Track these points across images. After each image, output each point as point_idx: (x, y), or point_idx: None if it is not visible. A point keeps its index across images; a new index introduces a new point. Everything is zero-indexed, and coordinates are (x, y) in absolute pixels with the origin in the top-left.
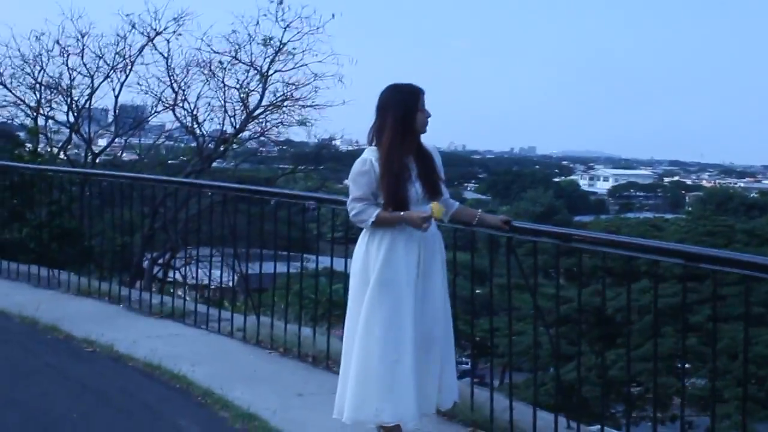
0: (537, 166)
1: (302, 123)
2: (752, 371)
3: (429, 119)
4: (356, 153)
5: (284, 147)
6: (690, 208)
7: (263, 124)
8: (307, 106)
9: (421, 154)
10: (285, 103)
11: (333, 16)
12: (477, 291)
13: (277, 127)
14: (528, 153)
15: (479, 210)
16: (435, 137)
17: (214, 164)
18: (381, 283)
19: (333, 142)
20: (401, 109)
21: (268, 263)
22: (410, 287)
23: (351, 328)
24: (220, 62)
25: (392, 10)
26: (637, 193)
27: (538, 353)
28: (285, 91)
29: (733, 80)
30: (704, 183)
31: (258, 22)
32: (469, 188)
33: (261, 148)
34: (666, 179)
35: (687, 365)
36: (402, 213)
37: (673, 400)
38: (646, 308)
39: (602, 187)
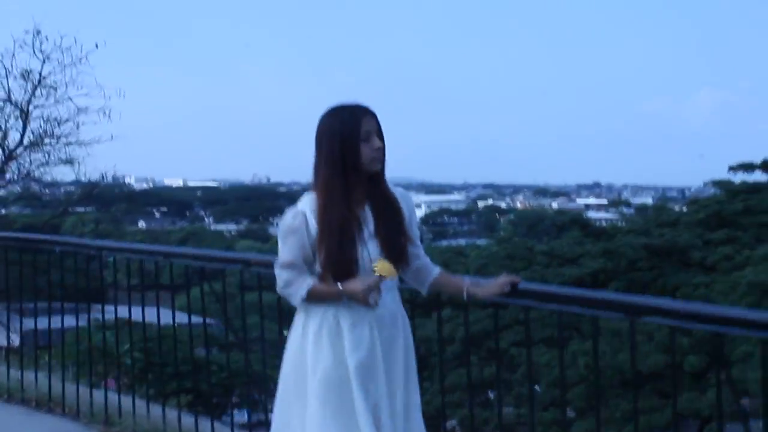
0: None
1: (68, 162)
2: (556, 394)
3: (380, 150)
4: (152, 192)
5: (59, 188)
6: (502, 232)
7: (27, 165)
8: (71, 144)
9: (380, 202)
10: (45, 141)
11: (96, 45)
12: None
13: (42, 167)
14: None
15: (466, 279)
16: (237, 169)
17: None
18: (327, 387)
19: (125, 180)
20: (337, 140)
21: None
22: (359, 394)
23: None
24: None
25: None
26: (451, 219)
27: None
28: (45, 128)
29: (549, 98)
30: (518, 205)
31: (14, 55)
32: (274, 223)
33: (45, 190)
34: (480, 203)
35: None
36: (339, 285)
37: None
38: (450, 338)
39: None
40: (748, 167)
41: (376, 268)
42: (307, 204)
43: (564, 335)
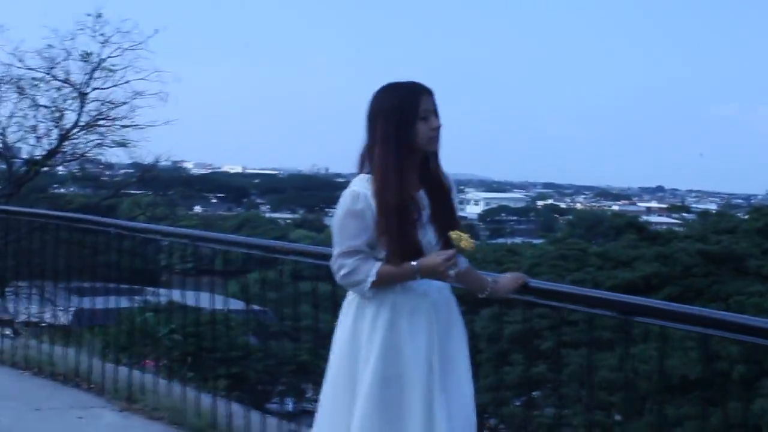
0: None
1: (122, 144)
2: (599, 398)
3: (437, 130)
4: (209, 177)
5: (116, 170)
6: (559, 233)
7: (82, 146)
8: (126, 126)
9: (434, 185)
10: (100, 123)
11: (156, 31)
12: None
13: (97, 148)
14: None
15: (490, 277)
16: (296, 158)
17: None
18: (382, 379)
19: (183, 164)
20: (394, 118)
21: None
22: (419, 387)
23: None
24: (33, 79)
25: (233, 23)
26: (509, 217)
27: None
28: (101, 110)
29: (613, 100)
30: (578, 206)
31: (74, 37)
32: (330, 214)
33: (106, 172)
34: (539, 202)
35: (536, 393)
36: (414, 263)
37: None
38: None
39: (472, 211)
40: None
41: (454, 239)
42: (364, 186)
43: (612, 338)
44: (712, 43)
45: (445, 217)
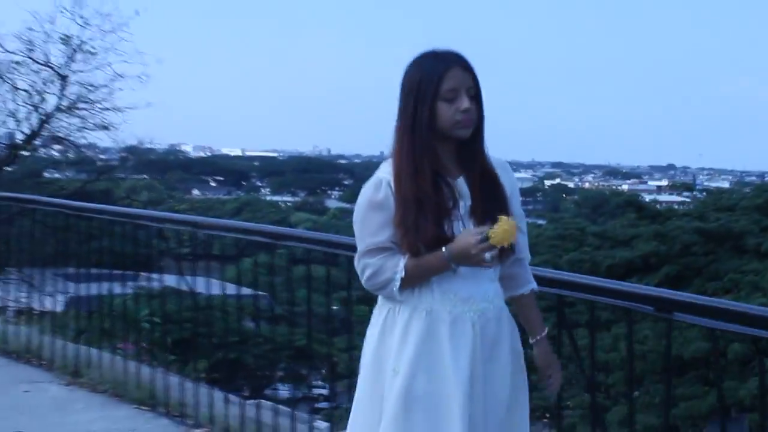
0: None
1: (104, 127)
2: (597, 378)
3: (468, 113)
4: (208, 160)
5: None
6: (565, 213)
7: (65, 129)
8: (106, 109)
9: (475, 174)
10: (80, 106)
11: (137, 12)
12: None
13: (79, 131)
14: None
15: (545, 328)
16: (297, 140)
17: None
18: (410, 399)
19: (182, 148)
20: (411, 97)
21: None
22: (459, 404)
23: None
24: (12, 62)
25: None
26: None
27: None
28: (80, 93)
29: (623, 77)
30: (587, 185)
31: (53, 20)
32: (332, 196)
33: (101, 156)
34: (547, 182)
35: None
36: (443, 249)
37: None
38: None
39: None
40: None
41: (498, 225)
42: (387, 171)
43: (607, 320)
44: (723, 17)
45: (492, 209)
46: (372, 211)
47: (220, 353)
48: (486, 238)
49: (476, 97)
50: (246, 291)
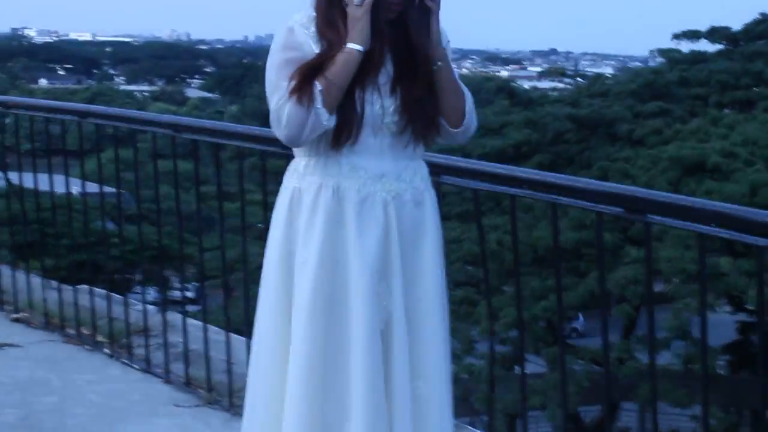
0: None
1: None
2: (465, 271)
3: None
4: (55, 46)
5: None
6: None
7: None
8: None
9: (402, 50)
10: None
11: None
12: None
13: None
14: (266, 41)
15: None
16: (153, 24)
17: None
18: (318, 293)
19: (24, 32)
20: None
21: None
22: (363, 301)
23: (271, 349)
24: None
25: None
26: None
27: None
28: None
29: None
30: (464, 71)
31: None
32: (192, 85)
33: None
34: None
35: None
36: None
37: None
38: None
39: None
40: (693, 35)
41: None
42: (305, 20)
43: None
44: None
45: (415, 87)
46: (289, 50)
47: (74, 255)
48: None
49: None
50: (103, 189)
